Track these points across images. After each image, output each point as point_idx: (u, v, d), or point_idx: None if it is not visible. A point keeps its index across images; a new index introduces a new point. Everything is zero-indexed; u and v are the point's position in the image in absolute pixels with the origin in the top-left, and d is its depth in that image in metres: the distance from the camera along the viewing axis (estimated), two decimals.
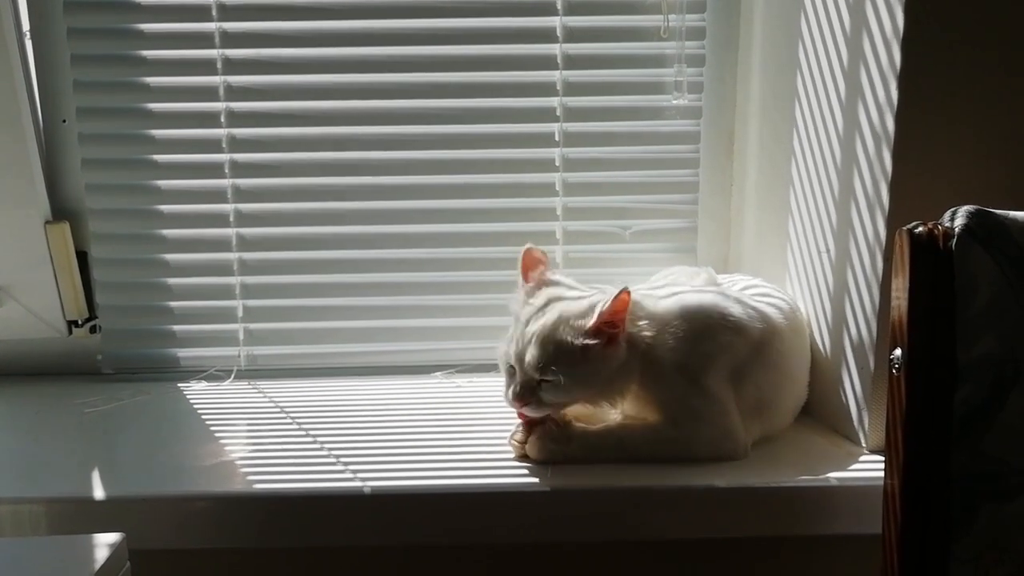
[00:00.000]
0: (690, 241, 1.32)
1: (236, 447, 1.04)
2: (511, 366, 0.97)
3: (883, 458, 0.95)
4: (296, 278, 1.30)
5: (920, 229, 0.77)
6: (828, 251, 1.06)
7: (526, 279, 1.02)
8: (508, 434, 1.03)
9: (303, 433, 1.08)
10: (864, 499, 0.93)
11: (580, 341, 0.92)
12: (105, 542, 0.78)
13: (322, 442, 1.05)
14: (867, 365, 0.99)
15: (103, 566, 0.75)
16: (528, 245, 1.03)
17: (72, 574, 0.74)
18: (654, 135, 1.28)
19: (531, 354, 0.93)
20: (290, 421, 1.12)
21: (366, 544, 0.96)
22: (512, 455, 0.99)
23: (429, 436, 1.06)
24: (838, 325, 1.04)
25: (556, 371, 0.92)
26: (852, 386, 1.02)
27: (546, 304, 0.97)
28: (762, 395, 0.99)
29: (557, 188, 1.28)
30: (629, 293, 0.92)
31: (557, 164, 1.28)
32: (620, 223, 1.30)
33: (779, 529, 0.94)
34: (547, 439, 0.95)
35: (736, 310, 0.99)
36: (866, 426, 1.00)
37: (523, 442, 0.97)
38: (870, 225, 0.97)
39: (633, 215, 1.30)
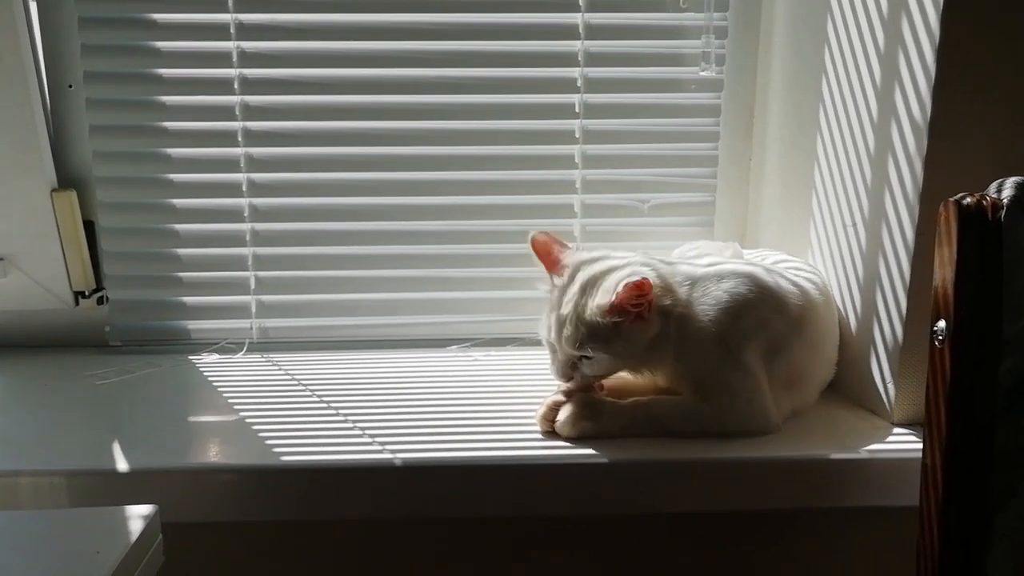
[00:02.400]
0: (708, 215, 1.31)
1: (258, 420, 1.02)
2: (551, 344, 0.98)
3: (910, 431, 0.98)
4: (310, 249, 1.28)
5: (968, 200, 0.76)
6: (855, 225, 1.06)
7: (548, 266, 1.01)
8: (532, 407, 1.03)
9: (324, 405, 1.06)
10: (895, 472, 0.94)
11: (607, 319, 0.92)
12: (138, 514, 0.76)
13: (345, 414, 1.03)
14: (896, 340, 0.99)
15: (139, 539, 0.73)
16: (531, 234, 1.01)
17: (107, 546, 0.72)
18: (674, 108, 1.27)
19: (565, 335, 0.94)
20: (309, 394, 1.11)
21: (397, 516, 0.95)
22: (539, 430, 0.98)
23: (453, 409, 1.05)
24: (866, 300, 1.04)
25: (592, 348, 0.93)
26: (879, 361, 1.02)
27: (572, 282, 0.97)
28: (795, 371, 0.99)
29: (576, 160, 1.27)
30: (648, 282, 0.90)
31: (577, 136, 1.26)
32: (638, 196, 1.29)
33: (809, 502, 0.95)
34: (578, 415, 0.94)
35: (776, 285, 0.99)
36: (892, 400, 1.00)
37: (550, 419, 0.96)
38: (902, 200, 0.97)
39: (651, 188, 1.29)
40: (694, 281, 0.97)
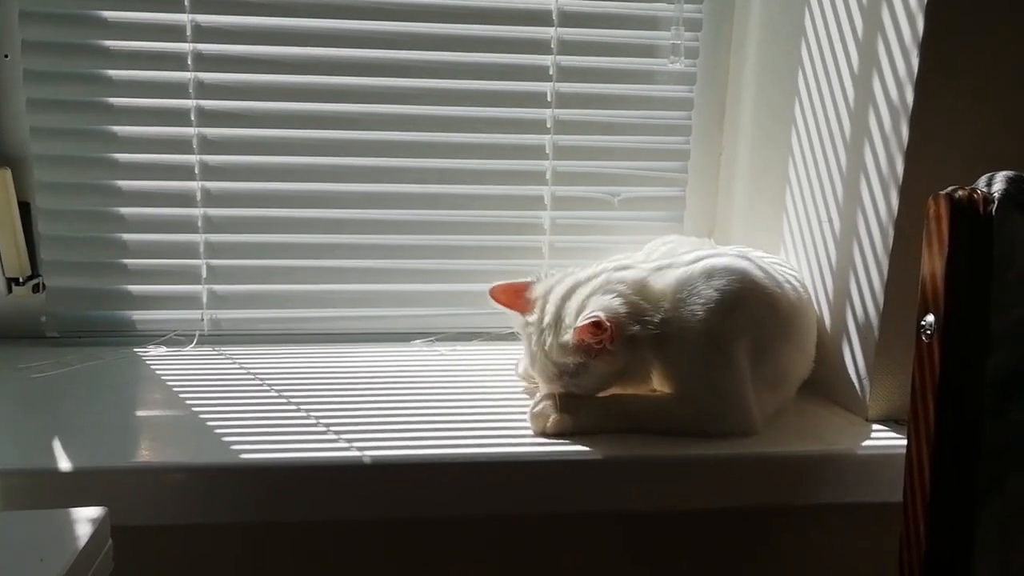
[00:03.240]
0: (679, 210, 1.29)
1: (213, 416, 0.95)
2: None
3: (886, 427, 0.98)
4: (266, 237, 1.21)
5: (960, 194, 0.75)
6: (831, 221, 1.05)
7: (519, 309, 0.97)
8: (503, 402, 1.00)
9: (284, 401, 1.00)
10: (874, 468, 0.93)
11: (570, 360, 0.90)
12: (86, 517, 0.70)
13: (307, 410, 0.98)
14: (871, 336, 0.98)
15: (87, 544, 0.67)
16: (488, 289, 0.99)
17: (51, 552, 0.65)
18: (647, 100, 1.25)
19: (540, 371, 0.94)
20: (267, 388, 1.04)
21: (366, 518, 0.89)
22: (519, 426, 0.95)
23: (421, 405, 1.00)
24: (840, 297, 1.03)
25: (567, 383, 0.92)
26: (854, 357, 1.02)
27: (543, 315, 0.94)
28: (780, 371, 0.97)
29: (547, 151, 1.23)
30: (601, 321, 0.86)
31: (548, 126, 1.23)
32: (609, 189, 1.27)
33: (789, 499, 0.93)
34: (553, 409, 0.91)
35: (769, 282, 0.96)
36: (868, 396, 1.00)
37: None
38: (881, 196, 0.96)
39: (622, 182, 1.27)
40: (678, 285, 0.93)
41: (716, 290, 0.92)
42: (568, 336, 0.89)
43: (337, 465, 0.85)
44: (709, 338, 0.91)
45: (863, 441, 0.96)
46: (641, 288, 0.93)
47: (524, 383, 1.04)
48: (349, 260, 1.23)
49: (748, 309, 0.93)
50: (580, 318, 0.87)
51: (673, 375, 0.92)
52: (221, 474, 0.85)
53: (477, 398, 1.03)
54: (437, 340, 1.24)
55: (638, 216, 1.29)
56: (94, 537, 0.68)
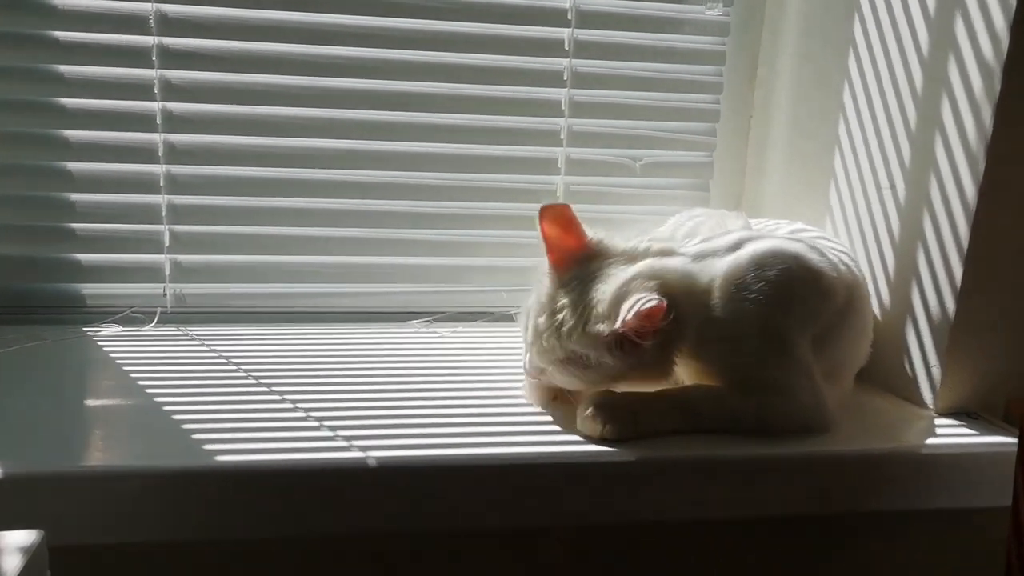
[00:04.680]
0: (706, 176, 1.16)
1: (178, 408, 0.80)
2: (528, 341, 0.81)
3: (959, 422, 0.86)
4: (239, 200, 1.05)
5: None
6: (894, 187, 0.93)
7: (558, 248, 0.80)
8: (518, 393, 0.86)
9: (265, 390, 0.85)
10: (954, 468, 0.81)
11: (597, 349, 0.75)
12: (15, 543, 0.54)
13: (294, 402, 0.82)
14: (945, 318, 0.86)
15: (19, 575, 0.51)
16: (544, 205, 0.81)
17: None
18: (672, 52, 1.11)
19: (540, 347, 0.78)
20: (244, 375, 0.89)
21: (370, 531, 0.74)
22: (542, 421, 0.81)
23: (425, 396, 0.85)
24: (905, 274, 0.91)
25: (562, 371, 0.78)
26: (921, 342, 0.89)
27: (575, 285, 0.78)
28: (840, 360, 0.85)
29: (563, 107, 1.09)
30: (662, 308, 0.71)
31: (565, 78, 1.08)
32: (630, 153, 1.13)
33: (862, 503, 0.81)
34: (605, 418, 0.76)
35: (824, 266, 0.84)
36: (936, 387, 0.88)
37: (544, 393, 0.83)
38: (963, 156, 0.84)
39: (645, 144, 1.13)
40: (726, 279, 0.79)
41: (767, 282, 0.78)
42: (601, 326, 0.74)
43: (336, 469, 0.70)
44: (767, 337, 0.78)
45: (937, 438, 0.84)
46: (689, 283, 0.79)
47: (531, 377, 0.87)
48: (336, 228, 1.08)
49: (805, 300, 0.81)
50: (628, 308, 0.72)
51: (726, 374, 0.79)
52: (189, 481, 0.69)
53: (487, 388, 0.88)
54: (436, 320, 1.09)
55: (661, 183, 1.15)
56: (28, 567, 0.52)
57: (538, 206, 1.07)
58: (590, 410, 0.76)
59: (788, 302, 0.79)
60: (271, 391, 0.85)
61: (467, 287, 1.12)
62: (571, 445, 0.76)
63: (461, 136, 1.08)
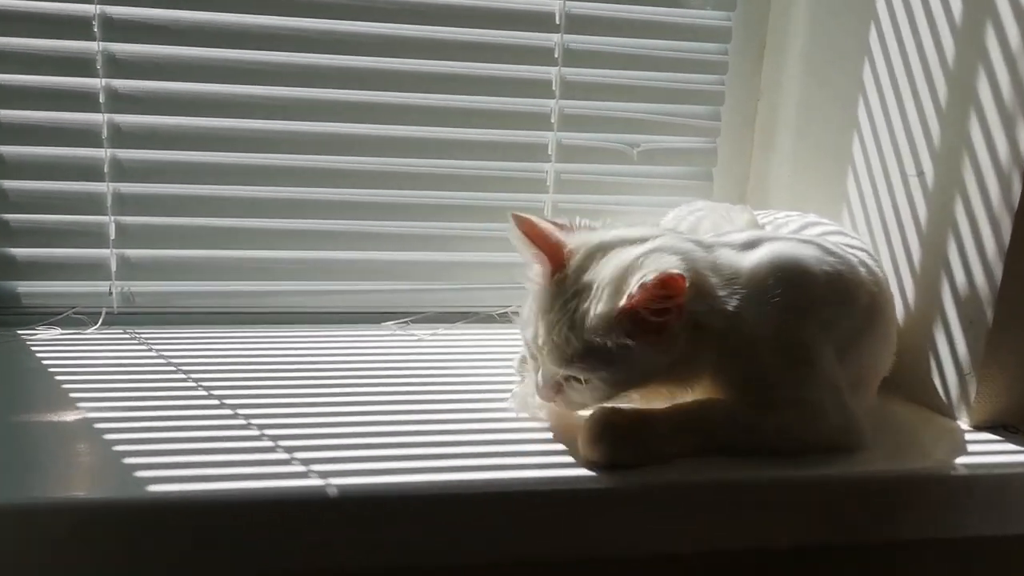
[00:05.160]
0: (708, 164, 1.06)
1: (117, 427, 0.69)
2: (532, 352, 0.71)
3: (996, 437, 0.77)
4: (193, 188, 0.95)
5: None
6: (923, 175, 0.83)
7: (546, 252, 0.71)
8: (509, 404, 0.76)
9: (216, 404, 0.75)
10: (998, 490, 0.72)
11: (611, 341, 0.65)
12: None
13: (248, 418, 0.72)
14: (981, 321, 0.77)
15: None
16: (512, 213, 0.72)
17: None
18: (673, 27, 1.01)
19: (550, 348, 0.68)
20: (194, 386, 0.79)
21: (332, 571, 0.64)
22: (538, 440, 0.71)
23: (402, 410, 0.76)
24: (933, 272, 0.82)
25: (584, 371, 0.67)
26: (953, 349, 0.81)
27: (578, 275, 0.69)
28: (864, 369, 0.77)
29: (554, 87, 0.99)
30: (680, 277, 0.63)
31: (556, 56, 0.98)
32: (627, 138, 1.03)
33: (897, 531, 0.72)
34: (609, 437, 0.66)
35: (845, 268, 0.75)
36: (970, 397, 0.79)
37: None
38: (1003, 136, 0.75)
39: (644, 129, 1.03)
40: (748, 278, 0.70)
41: (785, 290, 0.69)
42: (613, 303, 0.65)
43: (292, 499, 0.60)
44: (786, 349, 0.69)
45: (972, 456, 0.75)
46: (714, 264, 0.70)
47: (524, 380, 0.78)
48: (302, 220, 0.98)
49: (825, 307, 0.72)
50: (637, 279, 0.63)
51: (745, 384, 0.69)
52: (117, 516, 0.59)
53: (472, 400, 0.78)
54: (413, 322, 0.99)
55: (660, 172, 1.05)
56: None
57: (522, 196, 1.01)
58: (592, 432, 0.66)
59: (806, 312, 0.71)
60: (222, 404, 0.74)
61: (448, 285, 1.02)
62: (568, 469, 0.66)
63: (441, 118, 0.98)
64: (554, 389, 0.69)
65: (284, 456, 0.65)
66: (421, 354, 0.90)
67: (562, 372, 0.68)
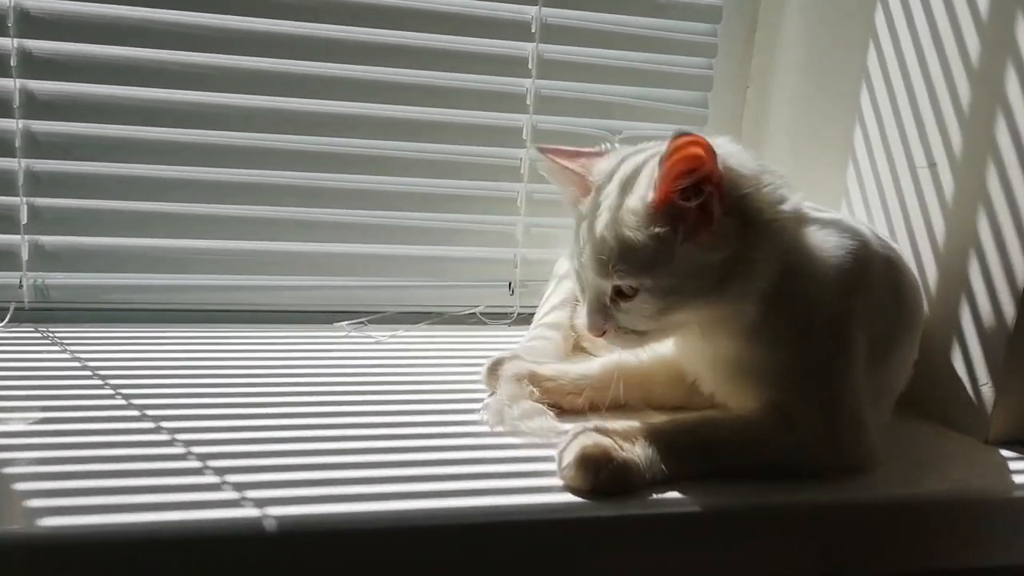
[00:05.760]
0: None
1: (16, 446, 0.58)
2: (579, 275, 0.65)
3: (1015, 453, 0.70)
4: (115, 168, 0.84)
5: None
6: (935, 166, 0.76)
7: (572, 172, 0.67)
8: (482, 417, 0.67)
9: (136, 415, 0.64)
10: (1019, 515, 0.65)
11: (649, 235, 0.58)
12: None
13: (172, 432, 0.61)
14: (1002, 328, 0.70)
15: None
16: (538, 147, 0.72)
17: None
18: (658, 5, 0.94)
19: (592, 255, 0.61)
20: (111, 393, 0.67)
21: None
22: (518, 458, 0.61)
23: (355, 425, 0.65)
24: (949, 272, 0.75)
25: (627, 275, 0.59)
26: (967, 358, 0.73)
27: (610, 181, 0.64)
28: (889, 377, 0.69)
29: (530, 66, 0.90)
30: (703, 142, 0.56)
31: (533, 31, 0.89)
32: (608, 124, 0.94)
33: (924, 561, 0.64)
34: (593, 460, 0.56)
35: (893, 256, 0.70)
36: (988, 411, 0.72)
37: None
38: None
39: (626, 114, 0.94)
40: (800, 213, 0.63)
41: (837, 256, 0.63)
42: (646, 191, 0.59)
43: (222, 534, 0.49)
44: (824, 325, 0.61)
45: (993, 477, 0.67)
46: (760, 169, 0.63)
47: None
48: (243, 206, 0.87)
49: (872, 288, 0.65)
50: (661, 159, 0.57)
51: (768, 373, 0.61)
52: (15, 553, 0.48)
53: (439, 413, 0.69)
54: (370, 322, 0.89)
55: None
56: None
57: (493, 184, 0.92)
58: (575, 453, 0.56)
59: (854, 289, 0.63)
60: (143, 417, 0.63)
61: (411, 281, 0.93)
62: (551, 495, 0.56)
63: (408, 96, 0.88)
64: (602, 315, 0.61)
65: (214, 480, 0.55)
66: (379, 360, 0.80)
67: (605, 283, 0.60)
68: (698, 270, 0.58)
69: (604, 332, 0.62)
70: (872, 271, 0.65)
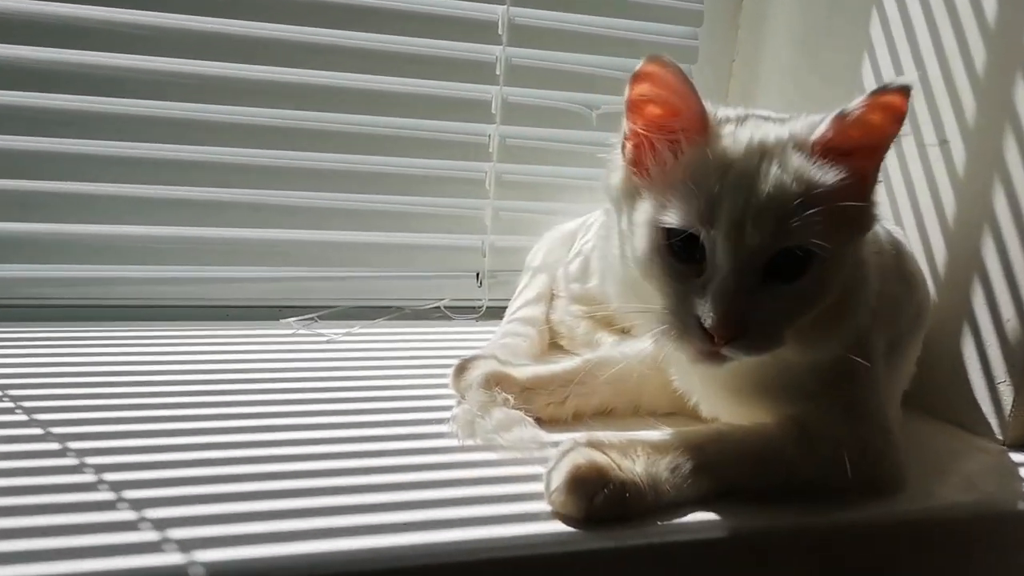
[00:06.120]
0: None
1: None
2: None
3: None
4: (27, 142, 0.72)
5: None
6: (947, 143, 0.69)
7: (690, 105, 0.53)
8: (450, 429, 0.58)
9: (40, 434, 0.54)
10: None
11: (834, 172, 0.50)
12: None
13: (80, 454, 0.51)
14: (1021, 316, 0.64)
15: None
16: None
17: None
18: None
19: (757, 214, 0.48)
20: (10, 407, 0.57)
21: None
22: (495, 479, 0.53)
23: (301, 442, 0.56)
24: (961, 260, 0.69)
25: (814, 228, 0.48)
26: (983, 355, 0.67)
27: (735, 135, 0.52)
28: (901, 379, 0.64)
29: (500, 31, 0.81)
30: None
31: None
32: (585, 98, 0.86)
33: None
34: (594, 480, 0.48)
35: (902, 245, 0.64)
36: (1006, 410, 0.66)
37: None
38: None
39: (604, 88, 0.86)
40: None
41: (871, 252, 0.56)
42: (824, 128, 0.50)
43: None
44: (849, 331, 0.54)
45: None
46: None
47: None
48: (177, 187, 0.76)
49: (887, 283, 0.58)
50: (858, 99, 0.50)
51: (787, 387, 0.53)
52: None
53: (401, 424, 0.60)
54: (322, 318, 0.79)
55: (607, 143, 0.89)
56: None
57: (460, 164, 0.83)
58: (564, 476, 0.48)
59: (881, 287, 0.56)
60: (47, 436, 0.53)
61: (367, 272, 0.84)
62: (536, 524, 0.48)
63: (364, 64, 0.79)
64: (750, 301, 0.48)
65: (131, 516, 0.45)
66: (331, 362, 0.71)
67: (770, 248, 0.48)
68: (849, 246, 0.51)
69: (738, 330, 0.48)
70: (886, 265, 0.58)
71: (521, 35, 0.82)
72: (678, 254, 0.50)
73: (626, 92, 0.55)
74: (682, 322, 0.49)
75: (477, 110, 0.82)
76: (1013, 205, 0.64)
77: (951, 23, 0.69)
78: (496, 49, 0.81)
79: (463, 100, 0.82)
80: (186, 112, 0.75)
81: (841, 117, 0.50)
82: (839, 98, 0.79)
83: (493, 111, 0.83)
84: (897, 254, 0.63)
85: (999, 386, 0.66)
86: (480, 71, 0.81)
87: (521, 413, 0.57)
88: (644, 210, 0.52)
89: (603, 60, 0.86)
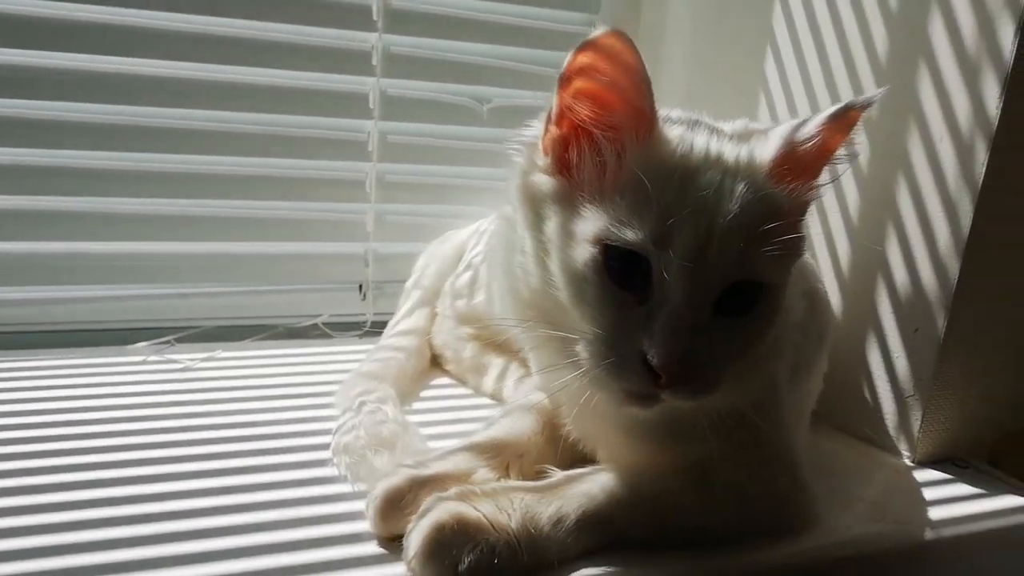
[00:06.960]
0: None
1: None
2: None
3: (947, 475, 0.62)
4: None
5: None
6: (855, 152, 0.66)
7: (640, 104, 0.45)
8: (337, 469, 0.52)
9: None
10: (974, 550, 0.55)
11: (784, 199, 0.45)
12: None
13: None
14: (932, 334, 0.61)
15: None
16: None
17: None
18: None
19: (726, 223, 0.42)
20: None
21: None
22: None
23: (151, 498, 0.48)
24: (868, 274, 0.66)
25: (771, 261, 0.43)
26: (891, 370, 0.64)
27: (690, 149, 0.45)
28: (806, 402, 0.60)
29: (375, 16, 0.73)
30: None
31: None
32: (474, 91, 0.79)
33: None
34: (455, 543, 0.41)
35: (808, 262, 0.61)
36: (914, 427, 0.63)
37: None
38: (965, 100, 0.58)
39: (495, 80, 0.79)
40: None
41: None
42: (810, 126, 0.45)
43: None
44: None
45: (935, 506, 0.58)
46: None
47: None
48: (9, 196, 0.66)
49: (792, 308, 0.52)
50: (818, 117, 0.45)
51: (687, 426, 0.47)
52: None
53: (272, 467, 0.52)
54: (179, 341, 0.70)
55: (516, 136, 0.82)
56: None
57: (336, 165, 0.75)
58: (422, 539, 0.41)
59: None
60: None
61: (233, 287, 0.75)
62: None
63: (221, 52, 0.70)
64: (702, 338, 0.42)
65: None
66: (188, 395, 0.62)
67: (727, 277, 0.42)
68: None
69: (691, 372, 0.41)
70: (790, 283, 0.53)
71: (400, 20, 0.74)
72: (616, 276, 0.43)
73: (564, 65, 0.45)
74: (620, 357, 0.42)
75: (353, 104, 0.75)
76: (922, 214, 0.61)
77: (855, 12, 0.65)
78: (372, 36, 0.73)
79: (337, 93, 0.74)
80: (11, 110, 0.64)
81: (803, 136, 0.45)
82: (744, 84, 0.76)
83: (371, 105, 0.75)
84: (798, 269, 0.58)
85: (907, 400, 0.63)
86: (355, 61, 0.73)
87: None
88: (574, 221, 0.44)
89: (493, 49, 0.79)
